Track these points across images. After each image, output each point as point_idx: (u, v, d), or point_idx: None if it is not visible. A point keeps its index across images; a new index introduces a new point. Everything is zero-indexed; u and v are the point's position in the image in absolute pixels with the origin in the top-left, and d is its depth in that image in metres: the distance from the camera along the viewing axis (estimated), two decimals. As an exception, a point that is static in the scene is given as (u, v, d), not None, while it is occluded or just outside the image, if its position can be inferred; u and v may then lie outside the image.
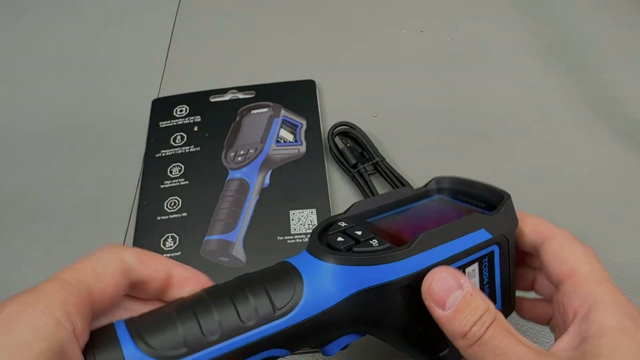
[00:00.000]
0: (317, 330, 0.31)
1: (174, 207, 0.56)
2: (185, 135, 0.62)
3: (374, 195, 0.56)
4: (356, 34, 0.76)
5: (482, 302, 0.29)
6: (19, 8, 0.84)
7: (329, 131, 0.60)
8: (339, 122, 0.61)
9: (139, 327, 0.28)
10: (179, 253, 0.52)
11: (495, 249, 0.34)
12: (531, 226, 0.35)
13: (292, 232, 0.53)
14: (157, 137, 0.62)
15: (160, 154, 0.60)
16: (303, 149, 0.60)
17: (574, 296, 0.30)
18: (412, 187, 0.39)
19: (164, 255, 0.52)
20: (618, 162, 0.60)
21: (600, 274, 0.31)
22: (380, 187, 0.58)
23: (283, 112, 0.63)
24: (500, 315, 0.29)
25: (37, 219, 0.58)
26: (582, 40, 0.74)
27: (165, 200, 0.56)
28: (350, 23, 0.78)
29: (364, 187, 0.57)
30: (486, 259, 0.33)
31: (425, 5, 0.80)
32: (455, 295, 0.29)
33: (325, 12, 0.79)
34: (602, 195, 0.58)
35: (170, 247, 0.53)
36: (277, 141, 0.60)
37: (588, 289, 0.30)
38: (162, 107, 0.65)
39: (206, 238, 0.53)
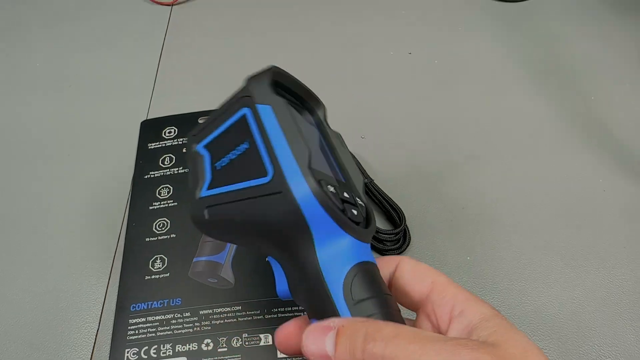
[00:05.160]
0: None
1: (163, 228, 0.58)
2: (174, 157, 0.64)
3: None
4: (345, 54, 0.79)
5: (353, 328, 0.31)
6: (6, 29, 0.86)
7: (318, 153, 0.63)
8: (328, 144, 0.64)
9: None
10: (168, 274, 0.54)
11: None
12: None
13: (281, 253, 0.55)
14: (145, 159, 0.64)
15: (149, 175, 0.63)
16: (293, 169, 0.62)
17: (443, 302, 0.34)
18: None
19: (152, 276, 0.54)
20: (606, 184, 0.63)
21: (449, 278, 0.35)
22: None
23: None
24: (370, 324, 0.31)
25: (25, 240, 0.60)
26: (570, 62, 0.77)
27: (154, 222, 0.58)
28: (339, 44, 0.81)
29: (353, 208, 0.59)
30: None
31: (413, 28, 0.83)
32: (329, 342, 0.31)
33: (314, 34, 0.83)
34: (591, 217, 0.61)
35: (159, 268, 0.55)
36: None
37: (452, 292, 0.34)
38: (150, 129, 0.68)
39: (195, 259, 0.55)
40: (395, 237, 0.57)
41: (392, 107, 0.72)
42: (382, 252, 0.57)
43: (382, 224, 0.59)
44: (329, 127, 0.42)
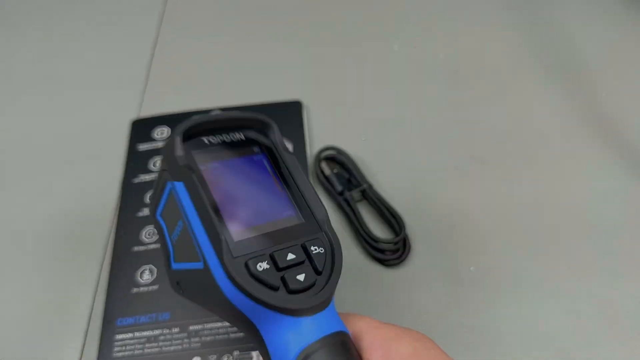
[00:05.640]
0: None
1: (152, 236, 0.56)
2: (165, 159, 0.62)
3: (360, 224, 0.56)
4: (345, 52, 0.76)
5: None
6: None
7: (316, 156, 0.61)
8: (326, 147, 0.61)
9: None
10: (157, 287, 0.52)
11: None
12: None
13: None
14: (135, 161, 0.62)
15: (138, 180, 0.61)
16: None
17: (372, 345, 0.32)
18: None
19: (140, 289, 0.52)
20: (621, 190, 0.60)
21: (370, 321, 0.33)
22: (368, 214, 0.58)
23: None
24: None
25: (5, 249, 0.58)
26: (581, 59, 0.74)
27: (142, 230, 0.56)
28: (339, 41, 0.78)
29: (351, 214, 0.57)
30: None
31: (418, 22, 0.80)
32: None
33: (313, 30, 0.80)
34: (604, 226, 0.58)
35: (147, 280, 0.53)
36: (261, 166, 0.60)
37: (375, 331, 0.32)
38: (141, 129, 0.65)
39: (185, 270, 0.53)
40: (394, 246, 0.55)
41: (395, 107, 0.69)
42: (382, 262, 0.55)
43: (381, 232, 0.57)
44: (284, 150, 0.38)
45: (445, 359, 0.31)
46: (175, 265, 0.35)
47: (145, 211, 0.58)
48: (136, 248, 0.55)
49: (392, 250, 0.55)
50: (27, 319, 0.52)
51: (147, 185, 0.60)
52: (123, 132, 0.66)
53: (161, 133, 0.64)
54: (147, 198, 0.59)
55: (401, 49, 0.76)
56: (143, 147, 0.63)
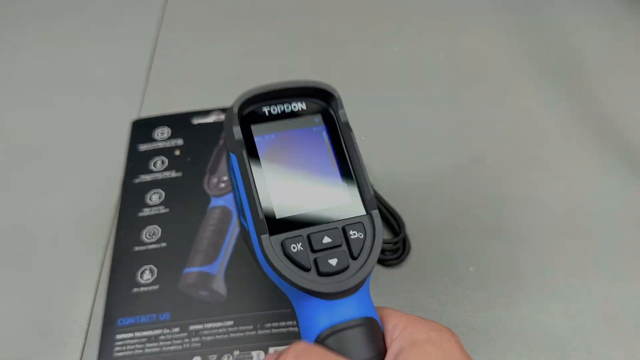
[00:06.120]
0: None
1: (153, 236, 0.56)
2: (165, 160, 0.62)
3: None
4: (343, 51, 0.77)
5: None
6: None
7: (316, 156, 0.61)
8: (326, 147, 0.62)
9: None
10: (157, 287, 0.53)
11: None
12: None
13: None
14: (136, 161, 0.63)
15: (139, 180, 0.61)
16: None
17: (395, 328, 0.33)
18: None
19: (141, 289, 0.52)
20: (620, 190, 0.61)
21: (390, 310, 0.35)
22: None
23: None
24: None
25: (5, 251, 0.58)
26: (581, 59, 0.74)
27: (142, 230, 0.57)
28: (337, 41, 0.78)
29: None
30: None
31: (418, 22, 0.80)
32: None
33: (311, 31, 0.80)
34: (603, 225, 0.58)
35: (148, 280, 0.53)
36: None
37: (399, 318, 0.33)
38: (141, 129, 0.66)
39: (185, 270, 0.54)
40: (394, 246, 0.55)
41: (394, 107, 0.69)
42: (382, 263, 0.55)
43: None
44: (344, 125, 0.38)
45: (457, 352, 0.32)
46: (241, 218, 0.37)
47: (145, 211, 0.58)
48: (136, 248, 0.55)
49: (392, 250, 0.55)
50: (27, 319, 0.53)
51: (147, 185, 0.60)
52: (124, 133, 0.66)
53: (162, 133, 0.65)
54: (147, 198, 0.59)
55: (401, 49, 0.76)
56: (144, 147, 0.64)
